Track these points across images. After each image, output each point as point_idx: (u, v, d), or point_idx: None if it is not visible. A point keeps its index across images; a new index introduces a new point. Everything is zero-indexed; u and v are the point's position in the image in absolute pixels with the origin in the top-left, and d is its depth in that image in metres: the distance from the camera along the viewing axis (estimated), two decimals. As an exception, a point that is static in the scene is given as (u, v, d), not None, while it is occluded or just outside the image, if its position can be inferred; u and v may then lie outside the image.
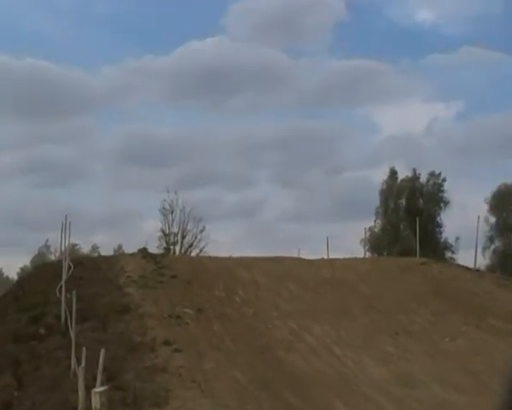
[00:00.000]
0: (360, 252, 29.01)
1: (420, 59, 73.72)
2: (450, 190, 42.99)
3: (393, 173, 43.41)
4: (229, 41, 63.73)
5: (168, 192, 38.43)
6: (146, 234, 50.72)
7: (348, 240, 54.06)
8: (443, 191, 42.90)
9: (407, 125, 72.27)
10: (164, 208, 38.52)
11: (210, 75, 57.88)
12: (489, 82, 63.27)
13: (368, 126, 65.43)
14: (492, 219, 43.45)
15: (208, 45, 61.85)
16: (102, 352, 10.87)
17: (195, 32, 73.71)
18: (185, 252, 37.72)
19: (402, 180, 43.22)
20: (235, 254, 22.95)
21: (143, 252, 21.34)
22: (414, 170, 43.35)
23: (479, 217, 23.96)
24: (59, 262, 17.93)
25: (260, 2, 64.22)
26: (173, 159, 60.81)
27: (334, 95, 65.54)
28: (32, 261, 45.24)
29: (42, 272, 19.34)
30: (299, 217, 55.96)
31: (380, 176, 44.27)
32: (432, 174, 43.28)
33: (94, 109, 62.29)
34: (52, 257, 45.50)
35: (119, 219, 59.04)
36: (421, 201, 42.95)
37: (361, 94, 64.65)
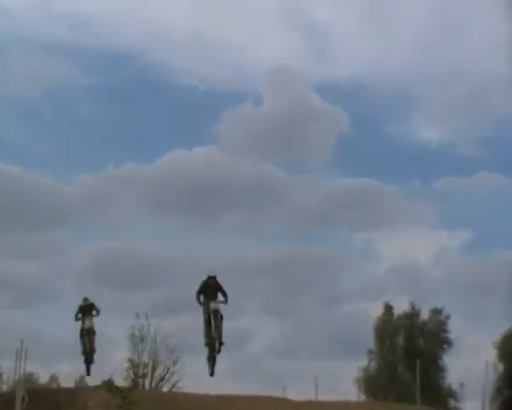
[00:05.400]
0: (354, 394, 28.64)
1: (430, 181, 74.56)
2: (456, 329, 42.96)
3: (388, 308, 43.49)
4: (219, 152, 64.14)
5: (138, 317, 37.97)
6: (114, 364, 49.64)
7: (341, 380, 53.11)
8: (446, 331, 42.83)
9: (412, 254, 72.21)
10: (133, 335, 37.99)
11: (197, 189, 58.15)
12: (503, 214, 64.21)
13: (369, 254, 65.29)
14: (501, 367, 42.90)
15: (196, 155, 62.43)
16: None
17: (183, 140, 74.91)
18: (156, 386, 36.94)
19: (398, 316, 43.21)
20: (216, 390, 22.59)
21: (109, 385, 20.94)
22: (412, 305, 43.44)
23: (487, 363, 23.68)
24: (11, 393, 17.59)
25: (257, 112, 65.29)
26: (152, 280, 59.48)
27: (334, 217, 65.83)
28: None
29: (-9, 404, 18.88)
30: (289, 352, 54.98)
31: (378, 310, 44.26)
32: (434, 311, 43.36)
33: (66, 221, 62.15)
34: (4, 387, 44.26)
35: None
36: (421, 340, 42.76)
37: (363, 217, 64.76)
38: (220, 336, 18.42)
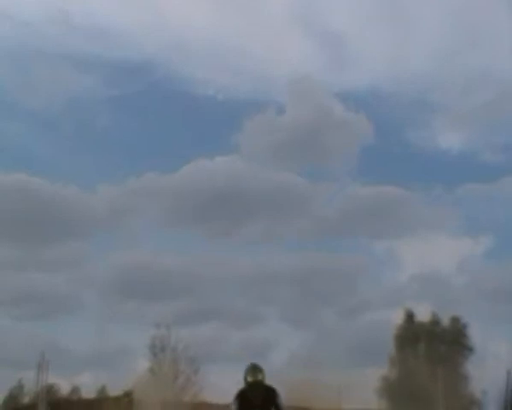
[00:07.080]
0: (375, 403, 28.28)
1: (452, 188, 73.68)
2: (478, 336, 42.37)
3: (409, 315, 43.11)
4: (241, 161, 63.66)
5: (159, 328, 37.88)
6: (135, 374, 49.44)
7: (362, 389, 52.49)
8: (466, 338, 42.35)
9: (434, 261, 71.35)
10: (154, 346, 37.91)
11: (219, 198, 57.81)
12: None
13: (391, 261, 64.59)
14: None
15: (218, 165, 62.01)
16: None
17: (204, 150, 74.99)
18: (177, 396, 36.76)
19: (419, 324, 42.81)
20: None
21: (129, 396, 20.89)
22: (433, 313, 43.07)
23: (508, 372, 23.17)
24: (33, 406, 17.56)
25: (279, 121, 64.79)
26: (174, 290, 59.13)
27: (356, 225, 65.15)
28: (4, 404, 44.02)
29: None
30: (310, 361, 54.48)
31: (399, 317, 43.88)
32: (454, 318, 42.97)
33: (88, 233, 62.09)
34: (27, 399, 44.29)
35: (108, 358, 57.43)
36: (442, 348, 42.32)
37: (385, 225, 64.19)
38: None
